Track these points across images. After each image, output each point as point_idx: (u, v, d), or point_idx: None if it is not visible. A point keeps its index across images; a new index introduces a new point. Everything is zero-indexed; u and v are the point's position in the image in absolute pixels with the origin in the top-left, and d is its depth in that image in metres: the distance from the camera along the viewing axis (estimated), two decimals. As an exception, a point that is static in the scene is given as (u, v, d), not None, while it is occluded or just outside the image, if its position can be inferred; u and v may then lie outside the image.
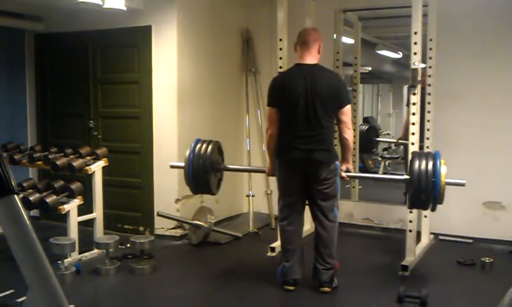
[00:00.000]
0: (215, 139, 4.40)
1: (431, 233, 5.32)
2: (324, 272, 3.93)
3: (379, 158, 8.76)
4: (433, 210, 3.91)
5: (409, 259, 4.47)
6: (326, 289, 3.93)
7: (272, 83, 4.05)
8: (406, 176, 3.93)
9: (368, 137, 7.96)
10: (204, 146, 4.24)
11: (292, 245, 3.99)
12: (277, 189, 4.12)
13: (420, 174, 3.73)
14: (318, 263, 3.95)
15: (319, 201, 3.91)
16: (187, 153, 4.23)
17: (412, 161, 3.86)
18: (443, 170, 3.72)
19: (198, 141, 4.29)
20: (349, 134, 3.89)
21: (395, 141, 8.29)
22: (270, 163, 4.14)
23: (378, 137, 8.71)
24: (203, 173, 4.19)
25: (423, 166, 3.75)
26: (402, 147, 7.66)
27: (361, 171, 7.38)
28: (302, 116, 3.81)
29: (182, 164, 4.29)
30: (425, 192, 3.75)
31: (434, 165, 3.73)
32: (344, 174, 4.02)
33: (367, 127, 8.07)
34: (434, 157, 3.80)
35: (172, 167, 4.60)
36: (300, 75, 3.85)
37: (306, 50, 3.92)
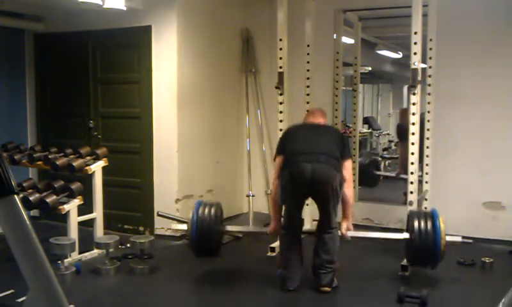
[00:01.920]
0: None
1: (431, 233, 5.32)
2: (324, 275, 3.93)
3: (379, 159, 8.76)
4: (433, 268, 4.02)
5: (409, 259, 4.47)
6: (326, 289, 3.93)
7: (280, 138, 4.24)
8: (406, 235, 4.02)
9: (369, 171, 7.81)
10: (207, 209, 4.22)
11: (291, 253, 4.00)
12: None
13: (421, 236, 3.86)
14: (318, 268, 3.95)
15: (325, 207, 3.87)
16: (190, 215, 4.19)
17: (410, 221, 3.95)
18: (443, 228, 3.83)
19: (200, 204, 4.26)
20: (349, 190, 3.91)
21: (394, 175, 8.07)
22: (274, 220, 4.09)
23: (379, 170, 8.53)
24: (207, 236, 4.17)
25: (422, 227, 3.87)
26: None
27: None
28: (306, 142, 3.87)
29: (185, 227, 4.29)
30: (425, 254, 3.91)
31: (434, 226, 3.84)
32: (344, 231, 3.99)
33: (367, 161, 7.93)
34: (433, 217, 3.90)
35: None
36: (305, 123, 4.18)
37: (313, 117, 4.20)
